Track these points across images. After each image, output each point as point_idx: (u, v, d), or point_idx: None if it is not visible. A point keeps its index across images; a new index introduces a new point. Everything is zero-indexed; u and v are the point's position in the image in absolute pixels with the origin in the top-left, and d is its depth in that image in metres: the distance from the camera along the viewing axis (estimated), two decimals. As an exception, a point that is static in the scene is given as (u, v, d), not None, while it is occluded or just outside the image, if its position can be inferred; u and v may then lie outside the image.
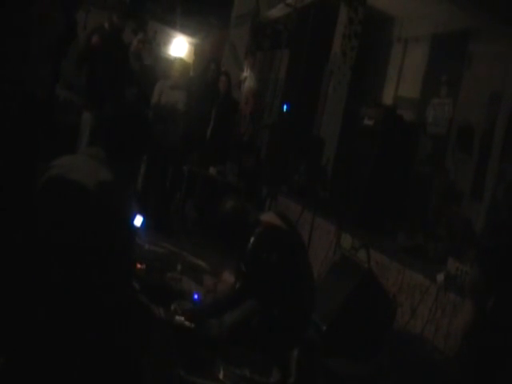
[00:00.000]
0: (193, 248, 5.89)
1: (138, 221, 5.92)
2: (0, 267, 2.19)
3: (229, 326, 3.76)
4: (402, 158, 5.88)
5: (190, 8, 10.38)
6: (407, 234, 5.15)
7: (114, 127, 2.47)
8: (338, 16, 7.56)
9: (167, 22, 10.76)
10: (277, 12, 9.50)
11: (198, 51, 11.00)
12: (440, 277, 4.11)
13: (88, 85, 6.28)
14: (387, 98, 7.25)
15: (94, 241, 2.23)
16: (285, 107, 8.79)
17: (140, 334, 2.97)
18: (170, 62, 8.76)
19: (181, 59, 7.71)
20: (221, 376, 3.36)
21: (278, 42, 9.89)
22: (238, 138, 8.42)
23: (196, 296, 4.34)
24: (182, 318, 3.99)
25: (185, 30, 10.89)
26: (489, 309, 2.69)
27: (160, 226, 6.39)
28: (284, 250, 3.72)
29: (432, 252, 4.85)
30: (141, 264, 4.54)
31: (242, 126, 8.94)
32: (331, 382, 3.89)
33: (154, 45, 8.94)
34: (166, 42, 10.91)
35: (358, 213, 5.74)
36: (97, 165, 2.35)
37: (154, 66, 7.80)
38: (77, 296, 2.20)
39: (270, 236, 3.73)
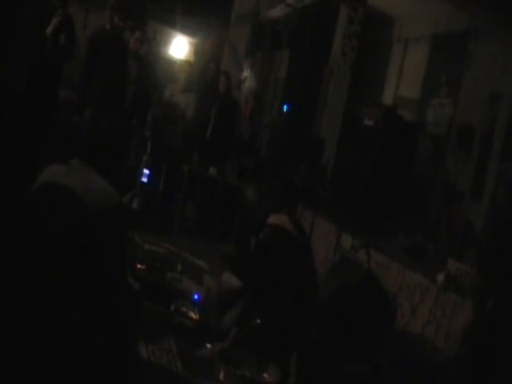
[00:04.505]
0: (193, 248, 5.89)
1: (145, 176, 5.98)
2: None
3: (230, 326, 3.76)
4: (402, 157, 5.88)
5: (190, 8, 10.37)
6: (407, 234, 5.15)
7: (93, 141, 2.51)
8: (338, 16, 7.56)
9: (167, 21, 10.75)
10: (277, 12, 9.49)
11: (197, 51, 10.99)
12: (440, 277, 4.11)
13: (87, 85, 6.28)
14: (387, 98, 7.25)
15: (85, 246, 2.24)
16: (285, 107, 8.79)
17: (139, 333, 2.98)
18: (172, 62, 8.76)
19: (188, 62, 7.73)
20: (221, 376, 3.36)
21: (278, 41, 9.88)
22: (238, 138, 8.41)
23: (196, 296, 4.34)
24: (182, 318, 4.00)
25: (185, 30, 10.87)
26: (489, 309, 2.69)
27: (160, 226, 6.40)
28: (288, 254, 3.72)
29: (432, 252, 4.85)
30: (141, 264, 4.55)
31: (242, 126, 8.94)
32: (331, 381, 3.89)
33: (153, 44, 8.94)
34: (166, 42, 10.91)
35: (358, 213, 5.74)
36: (87, 170, 2.39)
37: (153, 66, 7.80)
38: (72, 297, 2.20)
39: (275, 239, 3.73)
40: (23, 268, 2.19)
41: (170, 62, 9.60)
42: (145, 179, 6.16)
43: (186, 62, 7.53)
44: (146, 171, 6.15)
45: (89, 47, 6.37)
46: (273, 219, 3.79)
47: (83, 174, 2.39)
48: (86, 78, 6.26)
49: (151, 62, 7.73)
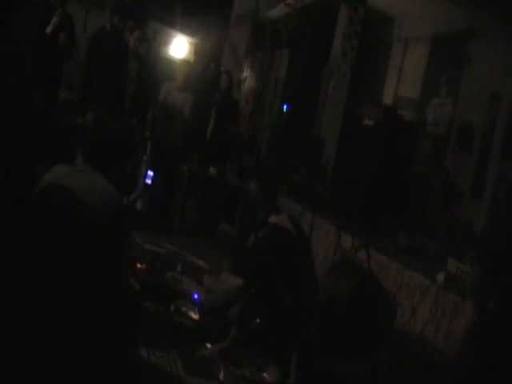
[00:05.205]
0: (193, 248, 5.89)
1: (149, 178, 5.98)
2: None
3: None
4: (402, 157, 5.88)
5: (190, 8, 10.37)
6: (407, 233, 5.15)
7: (97, 142, 2.51)
8: (338, 16, 7.56)
9: (167, 21, 10.76)
10: (277, 12, 9.49)
11: (197, 51, 10.99)
12: (440, 277, 4.11)
13: (88, 85, 6.28)
14: (387, 98, 7.25)
15: (87, 246, 2.24)
16: (285, 107, 8.79)
17: (139, 333, 2.97)
18: (172, 62, 8.76)
19: (185, 61, 7.72)
20: (221, 376, 3.36)
21: (278, 41, 9.88)
22: (238, 138, 8.41)
23: (196, 296, 4.34)
24: (182, 318, 4.00)
25: (185, 30, 10.88)
26: (489, 309, 2.69)
27: (160, 226, 6.40)
28: (287, 253, 3.72)
29: (432, 252, 4.85)
30: (141, 264, 4.55)
31: (242, 126, 8.94)
32: (331, 381, 3.89)
33: (153, 44, 8.93)
34: (166, 42, 10.91)
35: (357, 213, 5.74)
36: (91, 171, 2.40)
37: (153, 65, 7.80)
38: (73, 297, 2.20)
39: (275, 238, 3.73)
40: (24, 268, 2.19)
41: (170, 62, 9.60)
42: (149, 181, 6.15)
43: (184, 62, 7.52)
44: (150, 173, 6.15)
45: (89, 48, 6.37)
46: (273, 219, 3.79)
47: (88, 175, 2.39)
48: (88, 78, 6.26)
49: (151, 61, 7.74)
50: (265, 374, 3.51)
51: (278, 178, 7.03)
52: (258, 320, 3.75)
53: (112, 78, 6.21)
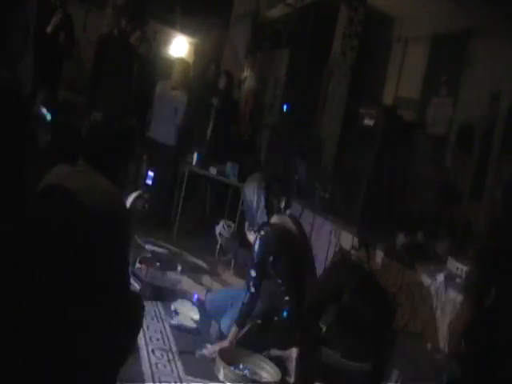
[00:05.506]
0: (193, 248, 5.89)
1: (149, 178, 5.97)
2: None
3: (228, 328, 3.76)
4: (402, 157, 5.88)
5: (190, 8, 10.37)
6: (407, 233, 5.15)
7: (98, 143, 2.51)
8: (338, 16, 7.56)
9: (167, 21, 10.75)
10: (277, 12, 9.50)
11: (197, 51, 10.99)
12: (440, 277, 4.12)
13: (95, 89, 6.26)
14: (387, 98, 7.26)
15: (88, 247, 2.24)
16: (285, 107, 8.79)
17: (139, 333, 2.97)
18: (172, 62, 8.75)
19: (181, 59, 7.70)
20: (221, 376, 3.36)
21: (278, 41, 9.89)
22: (238, 138, 8.40)
23: (196, 296, 4.35)
24: (183, 319, 4.01)
25: (185, 30, 10.88)
26: (488, 308, 2.69)
27: (160, 226, 6.41)
28: (288, 253, 3.73)
29: (432, 252, 4.85)
30: (141, 264, 4.56)
31: (242, 126, 8.93)
32: (331, 381, 3.89)
33: (153, 44, 8.93)
34: (166, 42, 10.91)
35: (357, 213, 5.74)
36: (92, 172, 2.40)
37: (153, 65, 7.79)
38: (73, 297, 2.20)
39: (276, 237, 3.74)
40: (24, 269, 2.19)
41: (170, 62, 9.61)
42: (149, 181, 6.14)
43: (179, 60, 7.49)
44: (151, 173, 6.13)
45: (97, 50, 6.34)
46: (274, 218, 3.80)
47: (88, 175, 2.39)
48: (95, 82, 6.24)
49: (151, 61, 7.73)
50: (265, 374, 3.52)
51: (279, 176, 7.02)
52: (259, 320, 3.76)
53: (119, 80, 6.20)
